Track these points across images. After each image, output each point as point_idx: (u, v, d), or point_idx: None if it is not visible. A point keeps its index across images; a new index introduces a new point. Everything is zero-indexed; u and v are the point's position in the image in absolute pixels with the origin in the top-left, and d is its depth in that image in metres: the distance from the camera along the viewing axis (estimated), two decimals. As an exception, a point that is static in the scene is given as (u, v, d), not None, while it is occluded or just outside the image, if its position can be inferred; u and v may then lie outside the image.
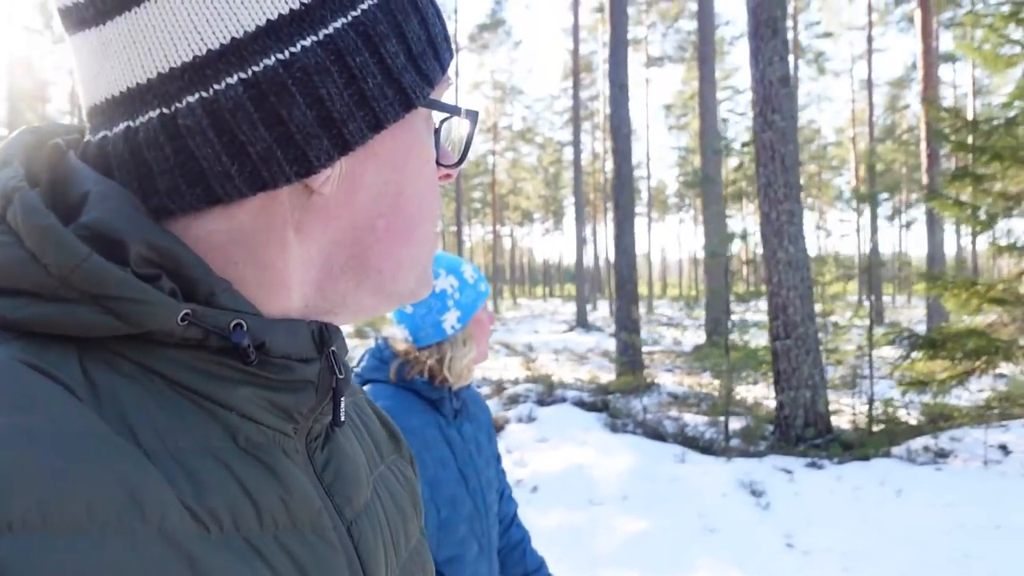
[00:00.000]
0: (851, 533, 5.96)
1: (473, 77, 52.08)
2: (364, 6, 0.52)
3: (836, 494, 6.64)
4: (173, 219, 0.51)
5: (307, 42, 0.49)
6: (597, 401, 10.64)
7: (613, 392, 12.07)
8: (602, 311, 43.56)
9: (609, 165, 47.20)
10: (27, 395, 0.42)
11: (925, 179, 14.14)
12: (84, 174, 0.50)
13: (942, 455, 7.69)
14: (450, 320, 1.87)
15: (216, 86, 0.48)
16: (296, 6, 0.49)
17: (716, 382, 10.68)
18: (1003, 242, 9.08)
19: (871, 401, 8.78)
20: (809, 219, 61.17)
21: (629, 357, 12.77)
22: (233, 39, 0.48)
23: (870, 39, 32.96)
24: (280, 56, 0.49)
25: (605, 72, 51.58)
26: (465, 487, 1.83)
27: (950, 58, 29.56)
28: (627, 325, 12.67)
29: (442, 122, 0.63)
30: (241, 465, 0.50)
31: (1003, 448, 7.62)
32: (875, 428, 8.59)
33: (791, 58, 42.30)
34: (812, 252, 10.07)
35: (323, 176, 0.52)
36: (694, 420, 9.57)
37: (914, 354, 9.26)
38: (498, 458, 2.07)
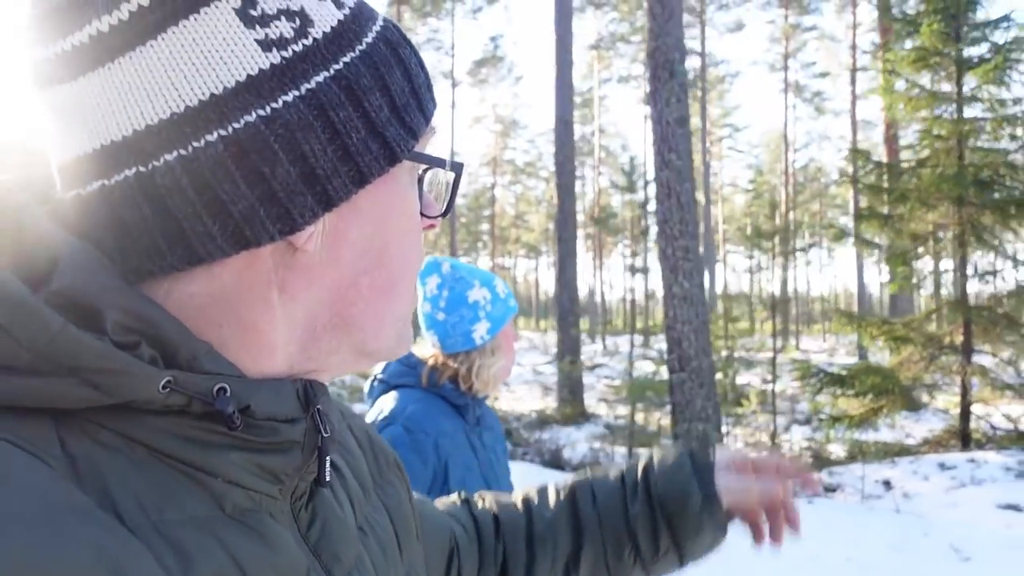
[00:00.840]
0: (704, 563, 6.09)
1: (474, 111, 52.84)
2: (346, 59, 0.51)
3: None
4: (154, 280, 0.50)
5: (289, 97, 0.48)
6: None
7: (551, 422, 12.23)
8: (601, 344, 43.60)
9: (606, 199, 47.72)
10: (4, 472, 0.41)
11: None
12: (53, 236, 0.48)
13: (829, 489, 7.81)
14: (480, 331, 1.92)
15: (195, 143, 0.47)
16: (277, 61, 0.48)
17: (657, 414, 10.85)
18: (906, 281, 9.26)
19: (772, 436, 8.92)
20: (816, 257, 61.19)
21: (569, 388, 12.95)
22: (212, 95, 0.47)
23: (853, 80, 33.22)
24: (261, 112, 0.47)
25: (605, 105, 52.06)
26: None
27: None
28: (566, 356, 12.85)
29: (425, 171, 0.61)
30: (229, 534, 0.49)
31: (886, 483, 7.73)
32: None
33: (787, 96, 42.71)
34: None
35: (307, 233, 0.51)
36: (615, 451, 9.73)
37: (826, 390, 9.42)
38: (508, 470, 2.11)
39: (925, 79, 9.43)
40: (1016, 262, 9.38)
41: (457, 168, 0.62)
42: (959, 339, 9.18)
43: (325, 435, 0.57)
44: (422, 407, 1.85)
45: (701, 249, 8.38)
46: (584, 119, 48.05)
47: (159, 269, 0.49)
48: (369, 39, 0.53)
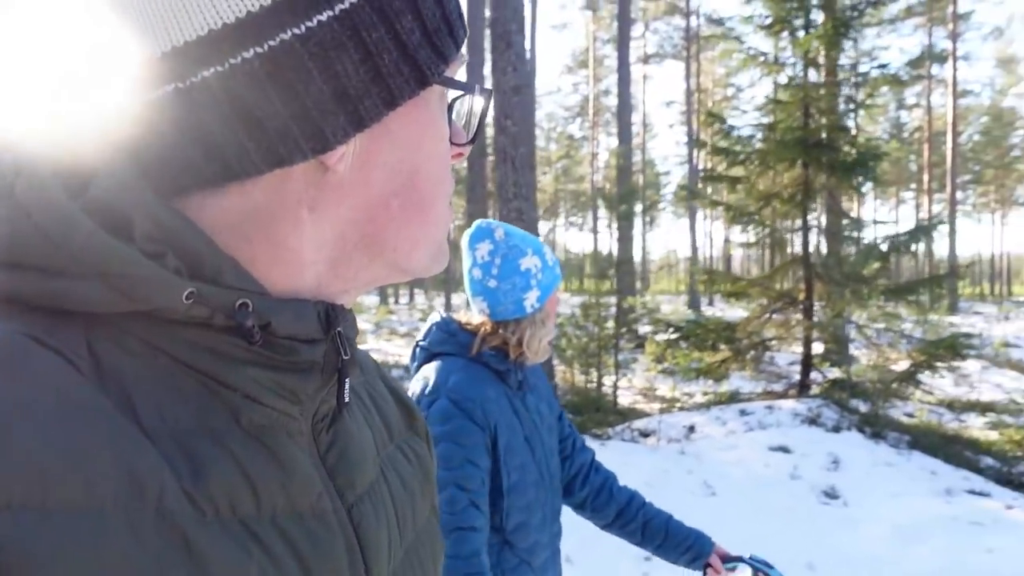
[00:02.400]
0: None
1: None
2: None
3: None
4: (187, 196, 0.51)
5: (323, 17, 0.49)
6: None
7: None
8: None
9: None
10: (30, 368, 0.43)
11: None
12: (94, 147, 0.50)
13: (644, 434, 8.39)
14: (531, 299, 1.91)
15: (232, 60, 0.48)
16: None
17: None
18: (742, 239, 9.74)
19: (615, 386, 9.48)
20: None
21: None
22: (249, 12, 0.47)
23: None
24: (296, 31, 0.48)
25: (611, 66, 51.98)
26: (532, 455, 1.90)
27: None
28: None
29: (454, 100, 0.63)
30: (243, 448, 0.50)
31: (691, 428, 8.30)
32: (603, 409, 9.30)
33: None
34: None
35: (338, 153, 0.52)
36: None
37: (678, 344, 9.96)
38: (560, 415, 2.15)
39: (769, 44, 9.78)
40: (856, 222, 9.80)
41: (486, 93, 0.63)
42: (801, 296, 9.67)
43: (345, 358, 0.58)
44: (464, 376, 1.85)
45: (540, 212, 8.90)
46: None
47: (194, 183, 0.50)
48: None
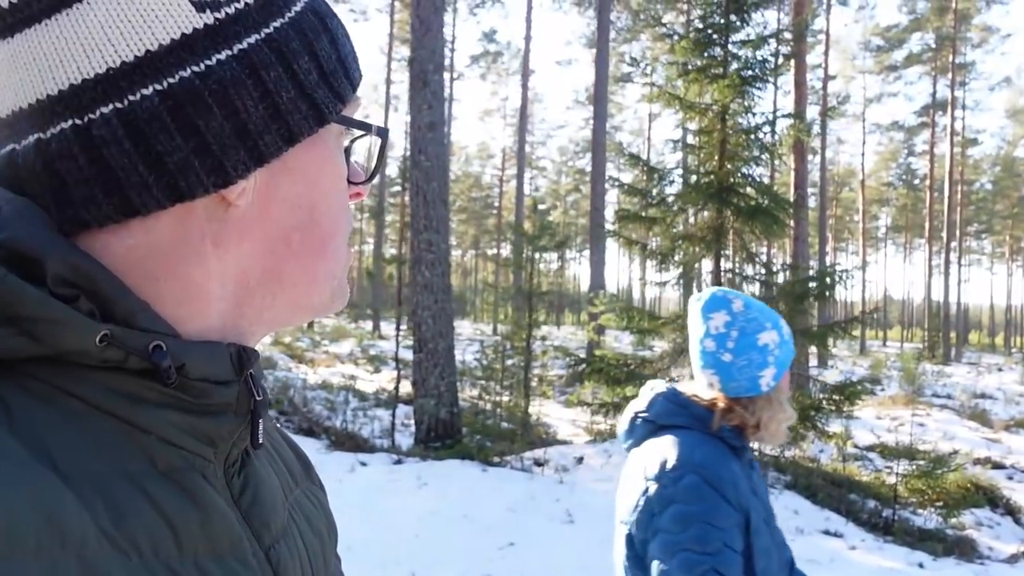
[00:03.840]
0: (357, 511, 6.99)
1: (484, 105, 53.91)
2: (276, 24, 0.54)
3: (372, 484, 7.67)
4: (90, 234, 0.51)
5: (222, 56, 0.51)
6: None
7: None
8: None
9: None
10: None
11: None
12: None
13: (539, 464, 8.63)
14: (767, 377, 1.81)
15: (131, 97, 0.49)
16: (211, 21, 0.51)
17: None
18: (656, 279, 10.01)
19: (526, 412, 9.73)
20: (848, 261, 61.31)
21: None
22: (148, 51, 0.49)
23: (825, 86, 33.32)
24: (196, 68, 0.50)
25: (618, 104, 52.55)
26: (772, 539, 1.82)
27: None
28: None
29: (352, 141, 0.66)
30: (159, 490, 0.50)
31: (579, 460, 8.53)
32: (515, 440, 9.55)
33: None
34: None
35: (239, 188, 0.53)
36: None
37: (590, 378, 10.18)
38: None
39: (692, 91, 10.08)
40: (765, 266, 10.03)
41: (382, 133, 0.65)
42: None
43: (258, 399, 0.59)
44: (710, 452, 1.75)
45: (452, 242, 9.24)
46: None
47: (95, 220, 0.50)
48: (298, 7, 0.56)
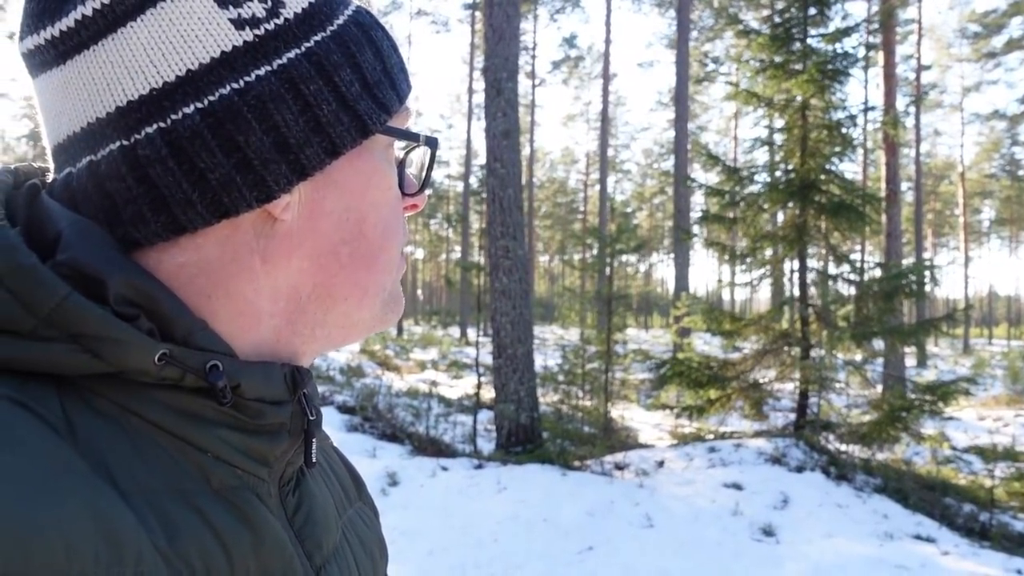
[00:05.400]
0: (437, 516, 7.10)
1: (567, 110, 53.98)
2: (317, 38, 0.55)
3: (452, 488, 7.77)
4: (143, 253, 0.53)
5: (261, 72, 0.52)
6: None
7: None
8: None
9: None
10: (11, 431, 0.43)
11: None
12: (58, 213, 0.51)
13: (619, 467, 8.59)
14: None
15: (174, 116, 0.50)
16: (250, 38, 0.52)
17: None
18: (740, 280, 9.85)
19: (607, 415, 9.71)
20: (948, 257, 59.08)
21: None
22: (189, 71, 0.51)
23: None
24: (235, 85, 0.51)
25: (703, 103, 51.84)
26: None
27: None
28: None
29: (407, 152, 0.66)
30: (213, 509, 0.51)
31: (660, 463, 8.45)
32: (596, 443, 9.53)
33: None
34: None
35: (283, 202, 0.54)
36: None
37: (673, 381, 10.10)
38: None
39: (771, 88, 9.92)
40: (851, 264, 9.78)
41: (431, 143, 0.65)
42: (798, 335, 9.69)
43: (311, 419, 0.60)
44: None
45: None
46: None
47: (145, 239, 0.52)
48: (341, 20, 0.57)
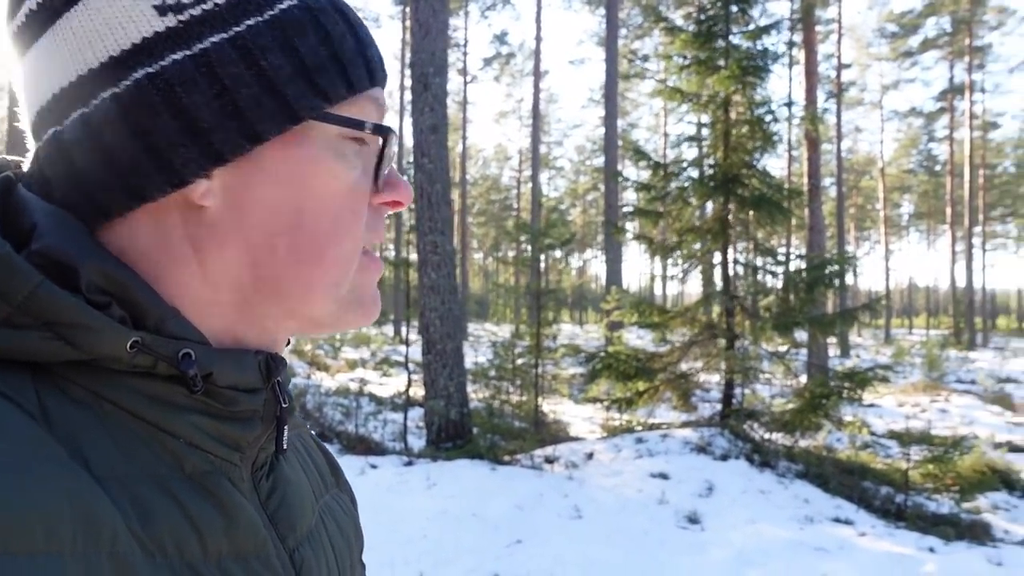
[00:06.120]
0: (365, 514, 7.02)
1: (500, 107, 54.09)
2: (250, 22, 0.54)
3: (381, 486, 7.73)
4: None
5: (178, 56, 0.52)
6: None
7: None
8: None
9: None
10: None
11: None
12: (34, 203, 0.52)
13: (549, 461, 8.64)
14: None
15: (94, 101, 0.52)
16: (172, 23, 0.52)
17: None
18: (668, 273, 9.98)
19: (537, 410, 9.75)
20: (869, 249, 60.89)
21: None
22: (110, 57, 0.52)
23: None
24: (148, 70, 0.51)
25: (633, 100, 52.44)
26: None
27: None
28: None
29: (384, 147, 0.62)
30: (186, 493, 0.52)
31: (589, 456, 8.53)
32: (526, 438, 9.58)
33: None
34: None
35: (201, 187, 0.54)
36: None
37: (603, 374, 10.20)
38: None
39: (695, 84, 10.07)
40: (774, 256, 10.00)
41: (382, 132, 0.61)
42: (724, 327, 9.88)
43: (284, 406, 0.61)
44: None
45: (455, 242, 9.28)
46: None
47: (86, 222, 0.53)
48: (284, 5, 0.55)
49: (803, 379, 10.13)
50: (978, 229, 42.25)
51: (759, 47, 9.70)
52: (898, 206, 63.51)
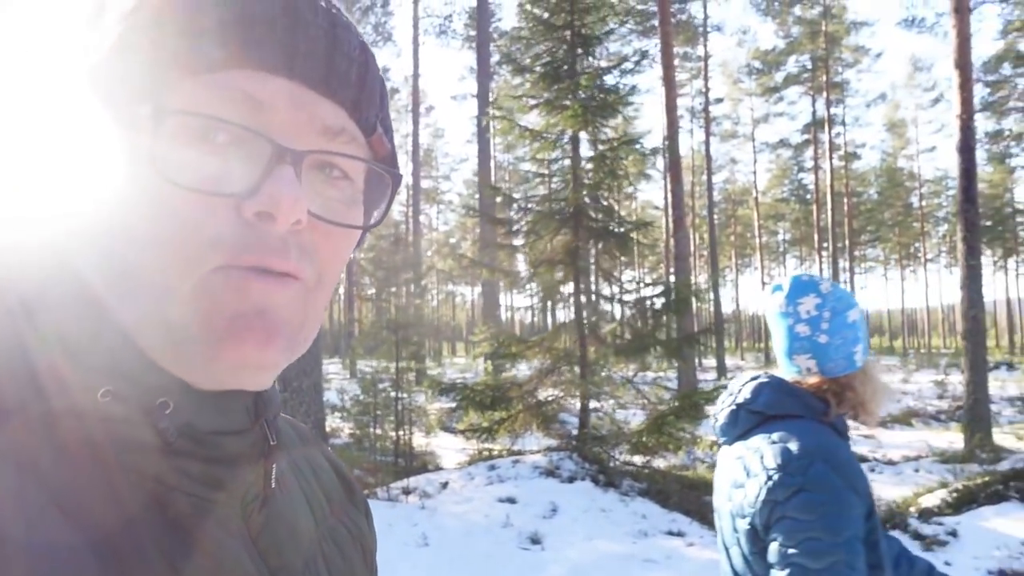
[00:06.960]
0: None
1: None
2: None
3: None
4: None
5: None
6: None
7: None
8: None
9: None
10: None
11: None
12: None
13: (407, 492, 8.79)
14: (859, 352, 1.85)
15: None
16: None
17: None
18: (521, 304, 10.34)
19: (399, 442, 9.89)
20: (750, 276, 63.43)
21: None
22: None
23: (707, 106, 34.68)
24: None
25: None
26: (879, 521, 1.79)
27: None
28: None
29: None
30: (169, 539, 0.50)
31: (444, 485, 8.74)
32: (386, 470, 9.71)
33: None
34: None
35: None
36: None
37: (464, 405, 10.43)
38: None
39: (545, 123, 10.52)
40: (620, 285, 10.48)
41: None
42: (577, 354, 10.27)
43: (272, 443, 0.59)
44: (829, 440, 1.74)
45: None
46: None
47: None
48: None
49: (652, 401, 10.60)
50: (846, 254, 44.73)
51: (606, 85, 10.22)
52: (775, 233, 66.48)
